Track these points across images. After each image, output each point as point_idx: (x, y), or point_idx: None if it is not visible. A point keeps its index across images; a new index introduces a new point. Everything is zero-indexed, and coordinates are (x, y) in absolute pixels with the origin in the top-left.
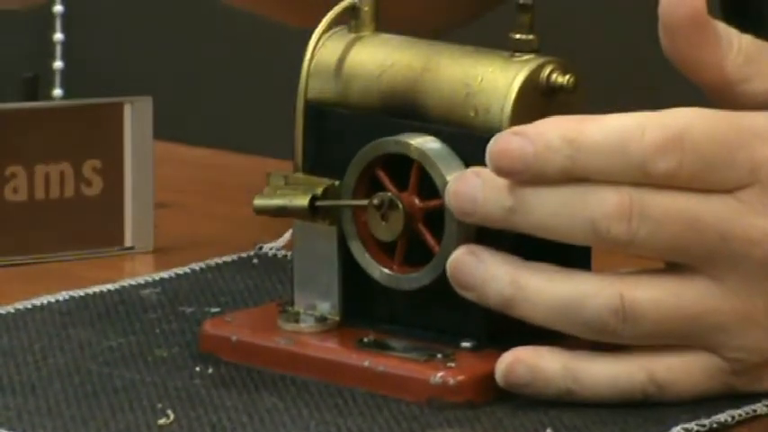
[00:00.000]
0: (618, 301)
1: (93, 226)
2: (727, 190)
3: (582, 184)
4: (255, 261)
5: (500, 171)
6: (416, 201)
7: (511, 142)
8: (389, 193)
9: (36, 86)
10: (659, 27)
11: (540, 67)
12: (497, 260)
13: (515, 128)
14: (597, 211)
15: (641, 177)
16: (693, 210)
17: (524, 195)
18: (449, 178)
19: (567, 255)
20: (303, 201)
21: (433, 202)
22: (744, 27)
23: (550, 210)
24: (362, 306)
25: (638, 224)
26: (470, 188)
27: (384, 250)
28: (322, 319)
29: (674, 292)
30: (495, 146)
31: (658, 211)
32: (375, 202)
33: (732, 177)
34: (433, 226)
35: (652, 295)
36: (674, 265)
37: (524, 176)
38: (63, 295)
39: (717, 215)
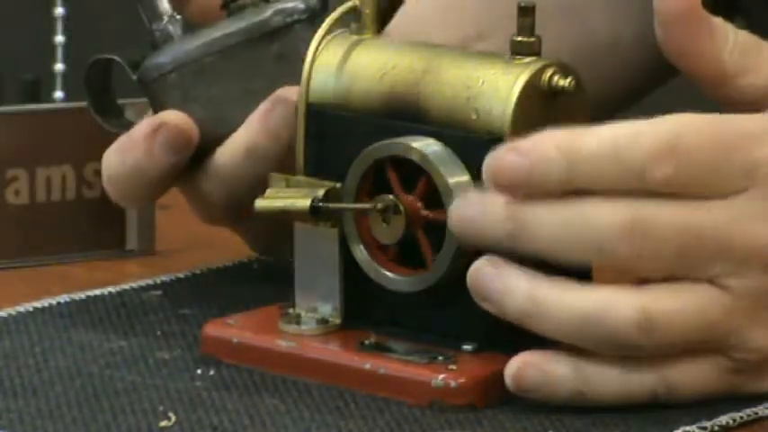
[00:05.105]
0: (641, 314)
1: (95, 229)
2: (725, 195)
3: (581, 203)
4: (257, 264)
5: (499, 187)
6: (420, 207)
7: (506, 158)
8: (392, 197)
9: (37, 89)
10: (654, 21)
11: (542, 70)
12: (516, 273)
13: (510, 144)
14: (602, 233)
15: (639, 185)
16: (694, 222)
17: (525, 219)
18: (450, 181)
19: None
20: (304, 203)
21: (436, 214)
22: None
23: (552, 233)
24: (364, 308)
25: (641, 242)
26: (472, 214)
27: (385, 253)
28: (323, 322)
29: (692, 301)
30: (491, 163)
31: (660, 227)
32: (379, 206)
33: (729, 180)
34: (432, 231)
35: (673, 306)
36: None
37: (523, 191)
38: (64, 298)
39: (716, 225)
